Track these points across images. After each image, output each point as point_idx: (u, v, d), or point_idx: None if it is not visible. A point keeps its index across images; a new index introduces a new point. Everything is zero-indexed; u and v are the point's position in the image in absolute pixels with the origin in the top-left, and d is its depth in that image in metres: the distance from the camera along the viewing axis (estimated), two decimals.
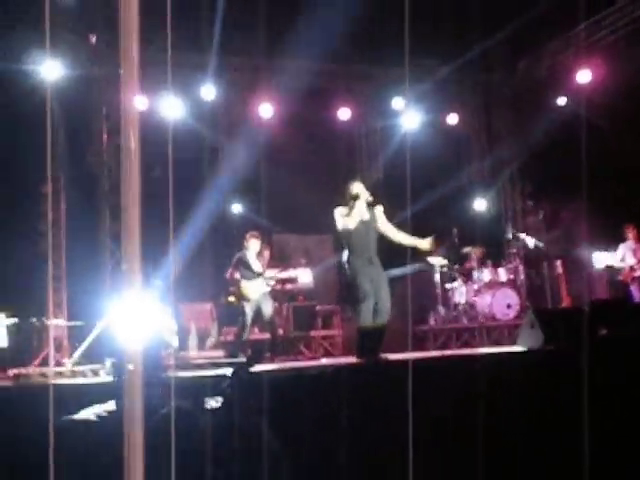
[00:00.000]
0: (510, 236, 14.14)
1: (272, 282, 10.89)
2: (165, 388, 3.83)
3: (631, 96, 12.27)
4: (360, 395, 6.77)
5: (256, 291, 10.58)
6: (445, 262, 13.27)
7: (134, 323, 2.86)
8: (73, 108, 11.93)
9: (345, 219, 8.44)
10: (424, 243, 8.58)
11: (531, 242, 13.41)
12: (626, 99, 12.31)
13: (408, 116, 14.36)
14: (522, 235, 13.55)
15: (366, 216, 8.52)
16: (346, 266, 8.56)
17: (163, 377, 5.66)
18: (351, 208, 8.44)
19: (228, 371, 3.59)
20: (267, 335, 11.15)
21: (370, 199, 8.54)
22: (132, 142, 3.05)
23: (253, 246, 10.81)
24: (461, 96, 15.35)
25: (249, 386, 2.74)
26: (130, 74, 3.08)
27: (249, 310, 10.55)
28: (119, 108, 2.89)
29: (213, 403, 3.54)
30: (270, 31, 11.93)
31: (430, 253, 13.05)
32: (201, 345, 11.92)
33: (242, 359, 9.81)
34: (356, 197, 8.44)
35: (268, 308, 10.65)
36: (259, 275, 10.66)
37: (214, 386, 3.64)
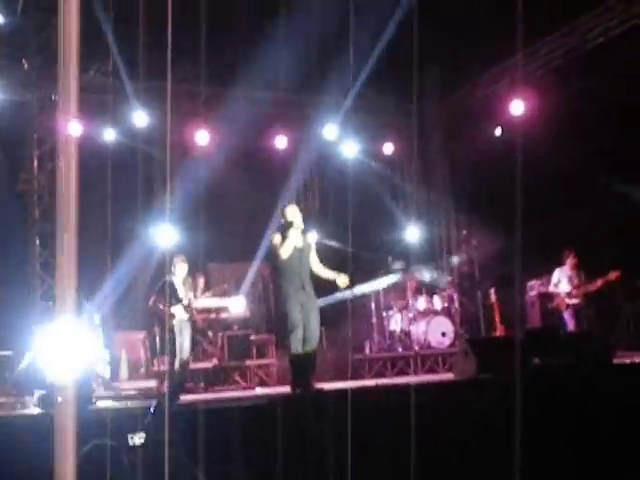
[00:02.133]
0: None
1: (194, 309, 10.66)
2: (90, 423, 3.73)
3: (563, 126, 12.52)
4: (293, 426, 6.71)
5: (177, 317, 10.29)
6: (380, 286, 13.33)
7: (65, 353, 2.77)
8: (4, 134, 11.73)
9: (279, 247, 8.41)
10: (340, 278, 8.58)
11: (427, 275, 13.60)
12: (558, 129, 12.54)
13: (344, 145, 14.43)
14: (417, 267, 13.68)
15: (300, 243, 8.51)
16: (280, 293, 8.55)
17: (89, 411, 5.53)
18: (284, 237, 8.42)
19: (152, 404, 3.49)
20: (200, 364, 10.99)
21: (303, 226, 8.54)
22: (70, 167, 2.98)
23: (180, 271, 10.53)
24: (396, 125, 15.49)
25: (174, 420, 2.66)
26: (67, 99, 3.01)
27: (178, 333, 10.29)
28: (54, 133, 2.83)
29: (137, 439, 3.44)
30: (208, 59, 11.90)
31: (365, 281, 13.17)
32: (133, 374, 11.71)
33: (166, 391, 9.60)
34: (290, 224, 8.43)
35: (184, 337, 10.30)
36: (180, 301, 10.36)
37: (139, 420, 3.53)
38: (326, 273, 8.64)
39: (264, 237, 11.92)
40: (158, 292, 10.37)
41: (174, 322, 10.24)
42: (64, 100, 2.89)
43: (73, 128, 11.12)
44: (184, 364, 10.22)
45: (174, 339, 10.24)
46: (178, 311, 10.27)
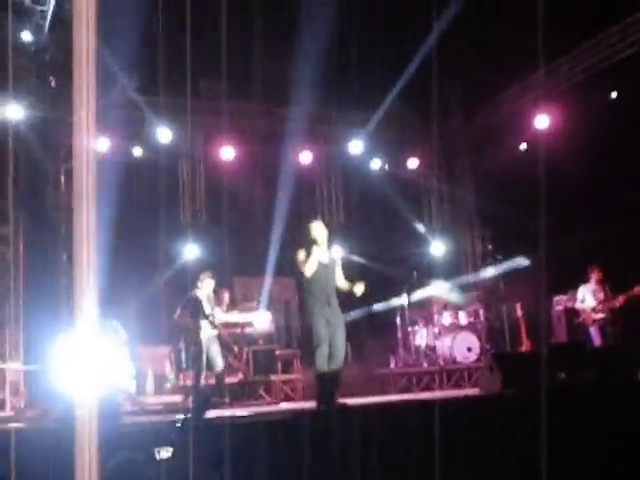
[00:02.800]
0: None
1: (223, 324, 10.75)
2: (116, 437, 3.75)
3: (588, 140, 12.48)
4: (317, 441, 6.71)
5: (204, 333, 10.38)
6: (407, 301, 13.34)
7: (88, 367, 2.80)
8: (33, 150, 11.89)
9: (303, 264, 8.40)
10: (357, 287, 8.56)
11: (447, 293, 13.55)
12: (583, 143, 12.51)
13: (368, 160, 14.47)
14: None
15: (325, 259, 8.50)
16: (305, 309, 8.54)
17: (117, 425, 5.57)
18: (309, 253, 8.41)
19: (179, 419, 3.52)
20: (225, 379, 11.02)
21: (328, 243, 8.54)
22: (89, 184, 3.02)
23: (206, 287, 10.62)
24: (422, 141, 15.51)
25: (200, 435, 2.69)
26: (86, 116, 3.05)
27: (205, 348, 10.38)
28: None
29: (164, 453, 3.47)
30: (232, 75, 12.00)
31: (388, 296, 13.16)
32: (159, 389, 11.77)
33: (191, 406, 9.64)
34: (314, 241, 8.42)
35: (214, 352, 10.42)
36: (207, 317, 10.45)
37: (165, 435, 3.57)
38: (344, 285, 8.62)
39: (288, 252, 11.97)
40: (183, 307, 10.47)
41: (201, 337, 10.32)
42: (83, 117, 2.94)
43: (97, 144, 11.20)
44: (220, 377, 10.34)
45: (200, 354, 10.32)
46: (205, 326, 10.35)
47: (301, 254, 8.49)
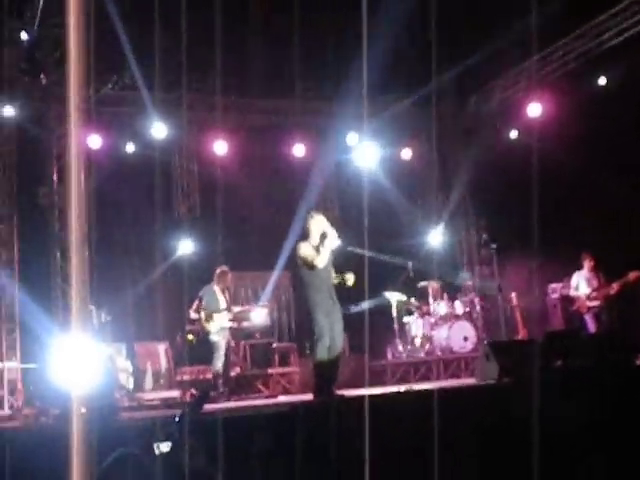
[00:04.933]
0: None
1: (233, 318, 10.86)
2: (114, 433, 3.76)
3: (581, 128, 12.49)
4: (314, 433, 6.72)
5: (217, 325, 10.51)
6: (402, 297, 13.34)
7: (84, 365, 2.80)
8: (25, 148, 11.87)
9: (314, 256, 8.39)
10: (348, 279, 8.58)
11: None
12: (576, 131, 12.53)
13: (363, 151, 14.45)
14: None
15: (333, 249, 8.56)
16: (307, 301, 8.55)
17: (114, 421, 5.58)
18: (320, 247, 8.43)
19: (178, 413, 3.53)
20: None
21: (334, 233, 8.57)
22: (81, 181, 3.01)
23: (222, 281, 10.81)
24: (415, 131, 15.49)
25: (199, 428, 2.70)
26: (79, 114, 3.04)
27: (218, 342, 10.48)
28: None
29: (163, 448, 3.48)
30: (224, 68, 11.99)
31: (385, 288, 13.14)
32: (156, 385, 11.79)
33: (190, 400, 9.68)
34: (324, 235, 8.44)
35: (223, 345, 10.59)
36: (223, 310, 10.61)
37: (164, 430, 3.58)
38: (336, 278, 8.64)
39: (284, 246, 11.96)
40: (200, 299, 10.58)
41: (213, 330, 10.42)
42: (75, 114, 2.93)
43: (86, 141, 11.17)
44: (222, 371, 10.43)
45: (212, 347, 10.44)
46: (219, 319, 10.46)
47: (304, 247, 8.49)
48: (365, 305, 13.33)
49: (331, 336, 8.33)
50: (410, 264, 13.46)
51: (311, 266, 8.41)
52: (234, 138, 13.81)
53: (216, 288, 10.75)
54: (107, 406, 6.98)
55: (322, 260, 8.38)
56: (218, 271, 10.84)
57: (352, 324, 11.84)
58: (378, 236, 13.46)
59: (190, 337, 11.41)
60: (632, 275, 11.63)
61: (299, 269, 8.63)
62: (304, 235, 8.68)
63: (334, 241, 8.48)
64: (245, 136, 13.93)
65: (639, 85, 11.90)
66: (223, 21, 9.99)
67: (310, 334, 8.57)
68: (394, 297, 13.22)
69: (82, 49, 2.92)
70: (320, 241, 8.43)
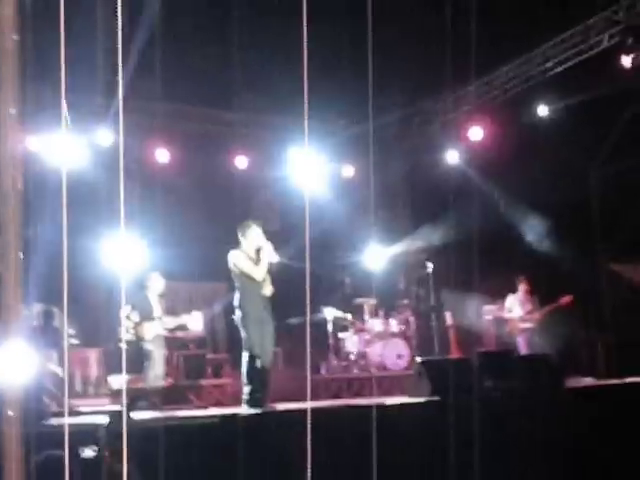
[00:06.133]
0: None
1: (169, 326, 10.73)
2: (42, 437, 3.70)
3: (518, 153, 12.73)
4: (246, 445, 6.70)
5: (152, 333, 10.36)
6: (338, 312, 13.38)
7: (13, 368, 2.75)
8: None
9: (250, 267, 8.42)
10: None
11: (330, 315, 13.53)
12: (513, 156, 12.75)
13: (305, 168, 14.47)
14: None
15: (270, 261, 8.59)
16: (238, 310, 8.56)
17: (41, 425, 5.48)
18: (253, 257, 8.47)
19: (106, 420, 3.49)
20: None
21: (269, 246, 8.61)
22: (17, 184, 2.97)
23: (156, 287, 10.66)
24: (358, 149, 15.55)
25: (127, 436, 2.67)
26: (11, 115, 3.00)
27: (151, 351, 10.34)
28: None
29: (88, 452, 3.44)
30: (168, 76, 11.92)
31: (322, 303, 13.17)
32: (86, 392, 11.61)
33: (120, 408, 9.54)
34: (260, 248, 8.50)
35: (160, 353, 10.45)
36: (157, 318, 10.47)
37: (90, 435, 3.54)
38: (269, 291, 8.70)
39: (221, 257, 11.90)
40: (133, 307, 10.39)
41: (147, 338, 10.28)
42: (7, 115, 2.88)
43: (27, 143, 10.92)
44: (158, 379, 10.28)
45: (144, 356, 10.28)
46: (152, 327, 10.32)
47: (241, 256, 8.50)
48: (306, 319, 13.35)
49: (261, 347, 8.35)
50: (347, 280, 13.52)
51: (248, 278, 8.43)
52: (175, 146, 13.71)
53: (150, 295, 10.63)
54: (35, 410, 6.87)
55: (260, 273, 8.42)
56: (151, 278, 10.72)
57: (286, 337, 11.86)
58: (317, 251, 13.52)
59: (123, 345, 11.25)
60: (564, 299, 11.90)
61: (233, 278, 8.66)
62: (239, 244, 8.70)
63: (271, 255, 8.51)
64: (186, 145, 13.86)
65: (575, 116, 12.21)
66: (166, 27, 9.99)
67: (241, 345, 8.58)
68: (330, 312, 13.26)
69: (16, 50, 2.88)
70: (256, 254, 8.47)
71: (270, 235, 8.89)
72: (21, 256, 2.89)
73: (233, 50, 11.73)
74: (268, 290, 8.63)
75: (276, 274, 8.78)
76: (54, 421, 7.27)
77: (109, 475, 3.29)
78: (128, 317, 10.44)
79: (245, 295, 8.51)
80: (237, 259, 8.53)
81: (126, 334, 10.70)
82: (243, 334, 8.44)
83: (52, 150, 12.41)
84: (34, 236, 9.79)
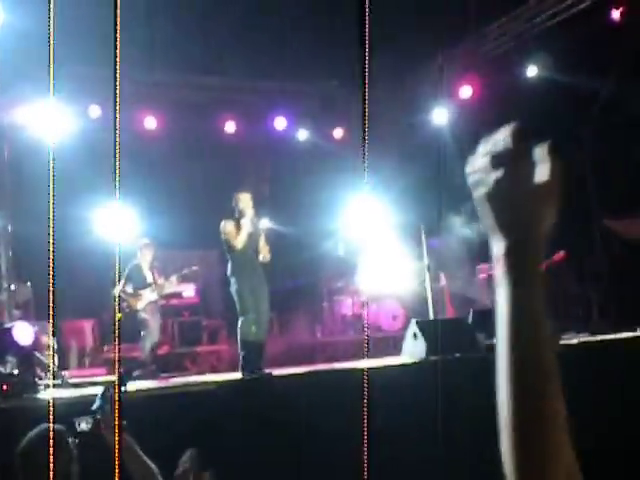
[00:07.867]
0: None
1: (163, 293, 10.71)
2: (39, 409, 3.69)
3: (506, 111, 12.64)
4: (243, 411, 6.71)
5: (145, 301, 10.34)
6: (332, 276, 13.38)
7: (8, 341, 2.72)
8: None
9: (233, 236, 8.41)
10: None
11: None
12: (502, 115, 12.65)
13: (294, 130, 14.39)
14: None
15: (251, 229, 8.53)
16: (231, 279, 8.57)
17: (34, 399, 5.48)
18: (238, 226, 8.44)
19: (99, 391, 3.47)
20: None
21: (255, 214, 8.58)
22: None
23: (146, 255, 10.60)
24: (347, 110, 15.43)
25: (122, 406, 2.64)
26: None
27: (146, 319, 10.32)
28: None
29: (83, 425, 3.41)
30: (153, 44, 11.81)
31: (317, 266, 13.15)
32: (82, 363, 11.62)
33: (115, 378, 9.52)
34: (243, 213, 8.46)
35: (153, 323, 10.43)
36: (150, 285, 10.44)
37: (86, 407, 3.51)
38: (267, 258, 8.69)
39: (214, 224, 11.87)
40: (128, 278, 10.35)
41: (142, 307, 10.26)
42: None
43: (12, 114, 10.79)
44: (154, 347, 10.28)
45: (140, 324, 10.27)
46: (146, 295, 10.30)
47: (228, 226, 8.49)
48: (299, 282, 13.37)
49: (257, 313, 8.36)
50: (341, 244, 13.49)
51: (230, 244, 8.45)
52: (164, 114, 13.60)
53: (142, 263, 10.55)
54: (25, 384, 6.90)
55: (241, 240, 8.40)
56: (141, 244, 10.62)
57: (281, 303, 11.85)
58: (308, 216, 13.48)
59: (119, 315, 11.21)
60: (557, 256, 11.90)
61: (225, 247, 8.67)
62: (232, 213, 8.68)
63: (249, 223, 8.48)
64: (175, 112, 13.74)
65: (564, 72, 12.12)
66: None
67: (235, 311, 8.60)
68: (323, 276, 13.26)
69: None
70: (239, 220, 8.46)
71: (260, 201, 8.86)
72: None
73: (217, 16, 11.58)
74: (262, 257, 8.61)
75: (272, 240, 8.79)
76: (50, 393, 7.30)
77: (105, 446, 3.26)
78: (122, 288, 10.41)
79: (236, 264, 8.51)
80: (224, 228, 8.54)
81: (121, 304, 10.68)
82: (237, 301, 8.44)
83: (39, 121, 12.30)
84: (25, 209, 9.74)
